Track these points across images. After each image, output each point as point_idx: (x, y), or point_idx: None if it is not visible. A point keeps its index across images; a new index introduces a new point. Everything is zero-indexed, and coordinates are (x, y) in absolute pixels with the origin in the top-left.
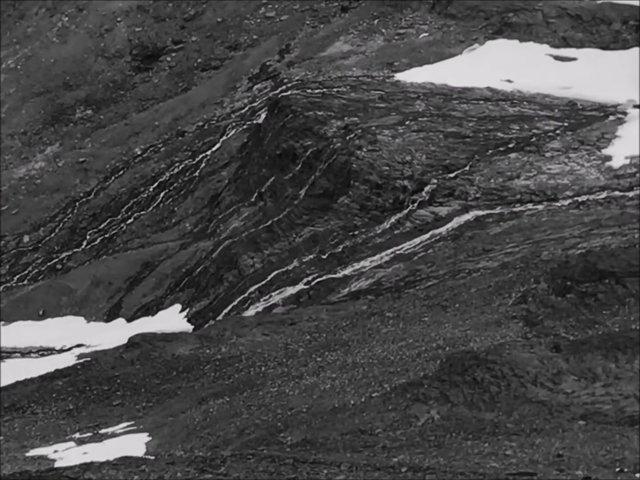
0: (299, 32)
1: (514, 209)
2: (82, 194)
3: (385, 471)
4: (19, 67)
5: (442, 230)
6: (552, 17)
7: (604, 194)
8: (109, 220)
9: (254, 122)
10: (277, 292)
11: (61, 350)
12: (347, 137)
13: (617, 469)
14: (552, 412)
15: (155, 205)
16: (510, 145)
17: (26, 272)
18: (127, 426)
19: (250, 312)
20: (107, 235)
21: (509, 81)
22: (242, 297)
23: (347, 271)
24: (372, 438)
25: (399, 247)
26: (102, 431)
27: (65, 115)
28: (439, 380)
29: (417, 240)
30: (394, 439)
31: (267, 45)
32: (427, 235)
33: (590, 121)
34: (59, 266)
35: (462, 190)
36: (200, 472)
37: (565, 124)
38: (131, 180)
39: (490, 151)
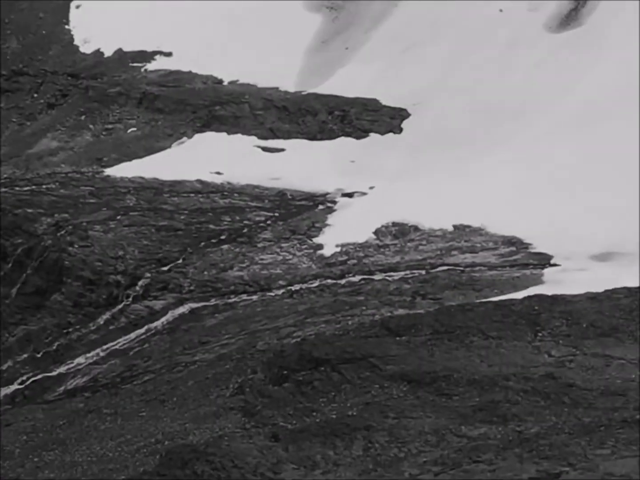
0: (5, 130)
1: (229, 300)
2: None
3: None
4: None
5: (158, 324)
6: (259, 109)
7: (316, 283)
8: None
9: None
10: None
11: None
12: (58, 234)
13: None
14: None
15: None
16: (223, 237)
17: None
18: None
19: None
20: None
21: (219, 173)
22: None
23: (63, 369)
24: None
25: (115, 342)
26: None
27: None
28: (159, 475)
29: (132, 335)
30: None
31: None
32: (142, 330)
33: (301, 211)
34: None
35: (176, 283)
36: None
37: (276, 214)
38: None
39: (202, 243)
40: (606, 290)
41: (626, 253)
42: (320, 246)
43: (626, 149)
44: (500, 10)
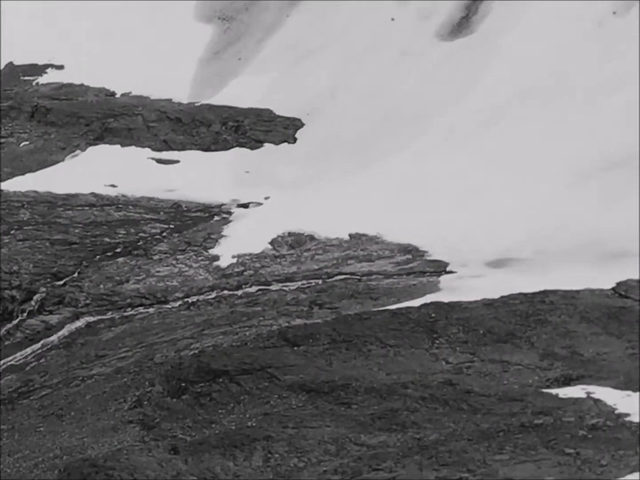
0: None
1: (125, 314)
2: None
3: None
4: None
5: (54, 338)
6: (153, 120)
7: (213, 294)
8: None
9: None
10: None
11: None
12: None
13: None
14: None
15: None
16: (118, 250)
17: None
18: None
19: None
20: None
21: (113, 186)
22: None
23: None
24: None
25: (11, 358)
26: None
27: None
28: None
29: (28, 350)
30: None
31: None
32: (38, 345)
33: (196, 222)
34: None
35: (71, 297)
36: None
37: (172, 226)
38: None
39: (98, 257)
40: (502, 297)
41: (522, 259)
42: (216, 257)
43: (520, 154)
44: (392, 19)
